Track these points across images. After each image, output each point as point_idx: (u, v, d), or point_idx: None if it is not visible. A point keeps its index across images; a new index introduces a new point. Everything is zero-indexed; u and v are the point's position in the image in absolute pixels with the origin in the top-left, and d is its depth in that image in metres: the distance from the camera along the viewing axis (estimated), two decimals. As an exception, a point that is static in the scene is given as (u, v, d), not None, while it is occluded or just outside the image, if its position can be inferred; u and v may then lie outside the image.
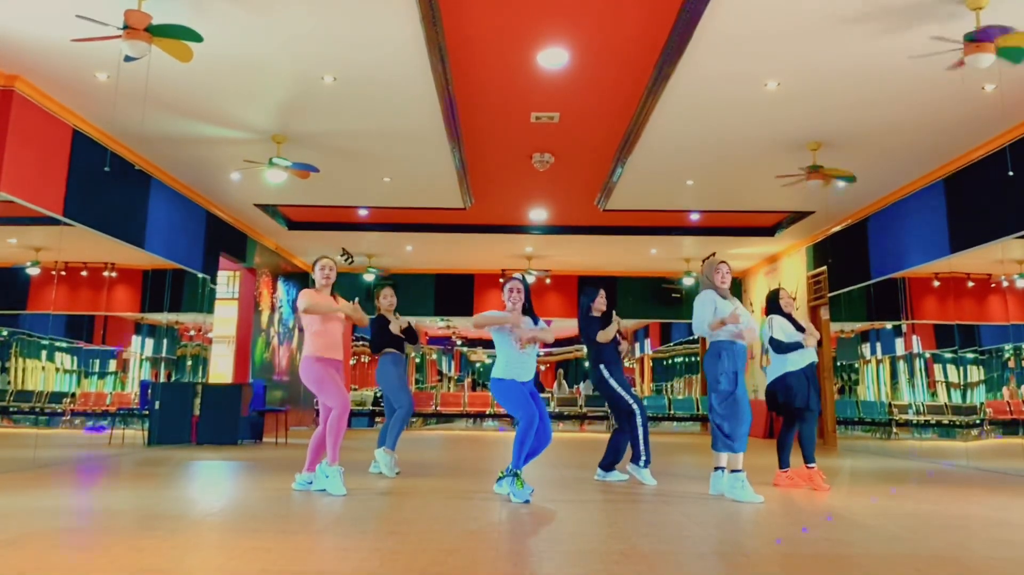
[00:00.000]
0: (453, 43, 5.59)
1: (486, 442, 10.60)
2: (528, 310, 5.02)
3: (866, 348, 9.77)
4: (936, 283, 8.17)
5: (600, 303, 6.08)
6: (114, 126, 7.09)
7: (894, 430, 8.96)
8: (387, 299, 6.53)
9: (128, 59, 4.95)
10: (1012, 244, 6.87)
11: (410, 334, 6.45)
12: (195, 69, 5.83)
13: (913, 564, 2.98)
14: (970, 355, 7.66)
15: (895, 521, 4.01)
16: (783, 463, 5.69)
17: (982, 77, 5.69)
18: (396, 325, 6.35)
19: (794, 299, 6.06)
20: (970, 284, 7.70)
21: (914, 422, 8.60)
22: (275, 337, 12.54)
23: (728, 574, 2.80)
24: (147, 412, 8.59)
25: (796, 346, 5.60)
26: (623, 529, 3.68)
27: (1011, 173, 6.69)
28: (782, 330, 5.68)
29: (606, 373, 5.84)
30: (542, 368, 25.92)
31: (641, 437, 5.72)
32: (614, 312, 6.13)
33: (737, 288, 14.38)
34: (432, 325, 20.40)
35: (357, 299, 5.38)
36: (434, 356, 25.35)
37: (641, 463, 5.70)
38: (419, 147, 7.71)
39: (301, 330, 13.77)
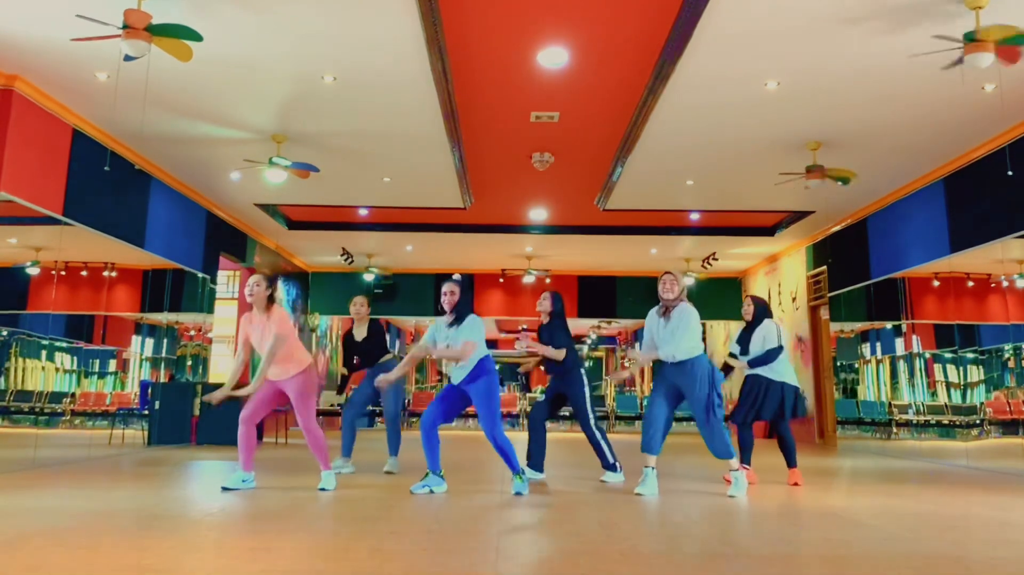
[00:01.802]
0: (453, 43, 5.59)
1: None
2: (461, 306, 5.04)
3: (866, 348, 9.77)
4: (936, 283, 8.17)
5: (538, 306, 6.09)
6: (114, 126, 7.09)
7: (894, 430, 8.96)
8: (354, 307, 6.35)
9: (128, 59, 4.95)
10: (1012, 244, 6.86)
11: (369, 350, 6.27)
12: (195, 69, 5.83)
13: (913, 564, 2.98)
14: (970, 355, 7.66)
15: (895, 521, 4.01)
16: (789, 462, 5.76)
17: (982, 77, 5.69)
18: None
19: (751, 305, 5.98)
20: (970, 284, 7.70)
21: (914, 422, 8.60)
22: (275, 337, 12.51)
23: (728, 574, 2.80)
24: (147, 412, 8.59)
25: (725, 366, 5.96)
26: (623, 529, 3.68)
27: (1011, 173, 6.69)
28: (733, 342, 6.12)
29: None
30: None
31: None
32: (526, 344, 6.06)
33: (737, 288, 14.40)
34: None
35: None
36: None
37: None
38: (419, 147, 7.70)
39: (302, 330, 13.81)
